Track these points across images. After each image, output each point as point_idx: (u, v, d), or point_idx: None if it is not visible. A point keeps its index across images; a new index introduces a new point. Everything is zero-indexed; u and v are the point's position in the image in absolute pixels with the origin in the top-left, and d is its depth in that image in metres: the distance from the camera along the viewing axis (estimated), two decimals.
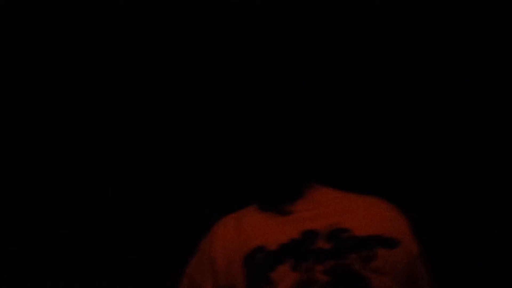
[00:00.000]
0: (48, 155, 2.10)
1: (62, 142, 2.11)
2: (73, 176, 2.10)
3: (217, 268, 1.45)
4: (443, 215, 2.01)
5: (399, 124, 2.07)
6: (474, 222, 2.02)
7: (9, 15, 2.08)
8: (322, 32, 2.05)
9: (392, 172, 2.03)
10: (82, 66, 2.12)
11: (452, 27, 2.06)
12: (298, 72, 1.95)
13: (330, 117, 1.79)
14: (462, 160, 2.05)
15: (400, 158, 2.06)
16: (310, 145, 1.61)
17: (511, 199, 2.01)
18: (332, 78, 2.01)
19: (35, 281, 2.02)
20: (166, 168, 2.11)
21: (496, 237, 2.00)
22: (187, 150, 2.11)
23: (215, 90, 2.07)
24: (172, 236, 2.01)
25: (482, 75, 2.05)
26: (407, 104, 2.07)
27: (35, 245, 2.06)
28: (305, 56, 2.02)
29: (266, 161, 1.58)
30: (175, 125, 2.11)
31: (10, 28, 2.09)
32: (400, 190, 1.79)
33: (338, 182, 1.58)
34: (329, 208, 1.49)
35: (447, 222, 2.01)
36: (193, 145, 2.10)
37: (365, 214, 1.48)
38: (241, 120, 1.79)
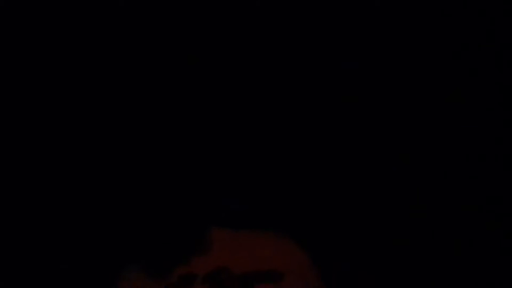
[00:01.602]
0: (48, 155, 2.10)
1: (62, 142, 2.11)
2: (73, 176, 2.10)
3: None
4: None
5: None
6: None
7: (9, 14, 2.09)
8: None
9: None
10: (81, 65, 2.12)
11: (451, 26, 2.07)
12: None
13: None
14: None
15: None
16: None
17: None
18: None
19: (35, 281, 2.02)
20: (166, 168, 2.10)
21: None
22: (188, 150, 2.10)
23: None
24: (172, 237, 2.01)
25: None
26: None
27: (35, 245, 2.06)
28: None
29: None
30: (175, 125, 2.11)
31: (10, 28, 2.09)
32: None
33: None
34: (214, 252, 1.53)
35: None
36: (195, 145, 2.10)
37: (250, 252, 1.51)
38: None
